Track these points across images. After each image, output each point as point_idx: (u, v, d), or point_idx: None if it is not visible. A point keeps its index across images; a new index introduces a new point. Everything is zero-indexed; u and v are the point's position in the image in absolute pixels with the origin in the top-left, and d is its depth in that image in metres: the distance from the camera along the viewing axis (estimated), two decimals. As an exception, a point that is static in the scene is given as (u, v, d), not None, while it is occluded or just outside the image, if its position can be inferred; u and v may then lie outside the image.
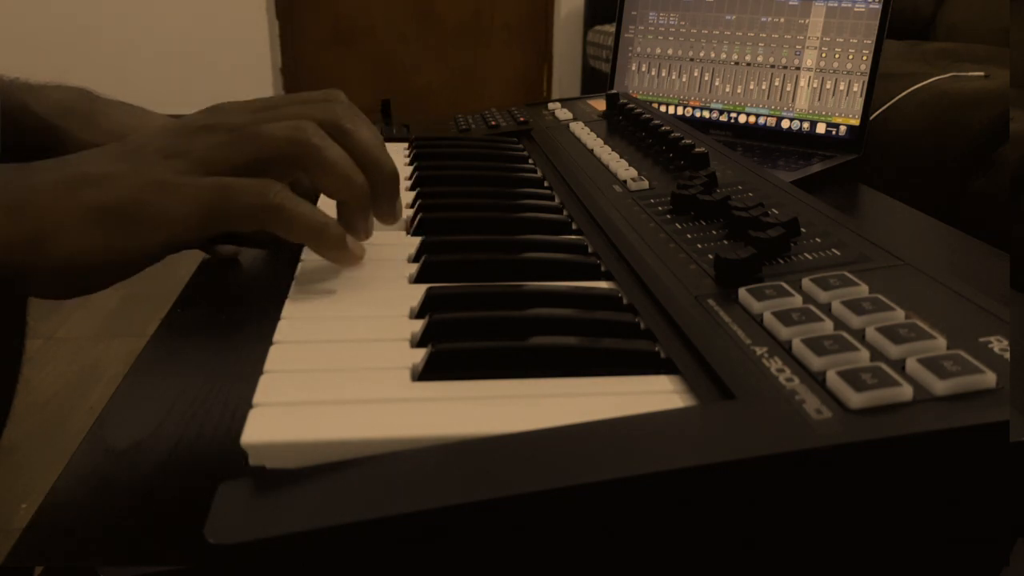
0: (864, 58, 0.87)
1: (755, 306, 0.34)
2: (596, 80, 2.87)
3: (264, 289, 0.43)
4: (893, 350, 0.30)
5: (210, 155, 0.38)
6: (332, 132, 0.40)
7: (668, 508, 0.26)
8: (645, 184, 0.52)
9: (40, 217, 0.35)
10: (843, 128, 0.89)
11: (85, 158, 0.39)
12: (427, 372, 0.32)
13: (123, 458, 0.34)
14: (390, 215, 0.43)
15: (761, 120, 0.94)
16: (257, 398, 0.29)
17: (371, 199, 0.41)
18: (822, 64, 0.90)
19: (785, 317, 0.32)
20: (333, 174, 0.39)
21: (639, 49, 1.02)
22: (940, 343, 0.30)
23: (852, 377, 0.28)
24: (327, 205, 0.41)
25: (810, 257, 0.39)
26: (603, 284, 0.41)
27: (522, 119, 0.74)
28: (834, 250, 0.40)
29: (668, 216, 0.46)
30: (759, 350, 0.31)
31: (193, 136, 0.39)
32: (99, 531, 0.30)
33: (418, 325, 0.35)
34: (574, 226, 0.49)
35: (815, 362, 0.29)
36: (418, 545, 0.24)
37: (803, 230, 0.42)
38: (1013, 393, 0.28)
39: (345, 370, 0.32)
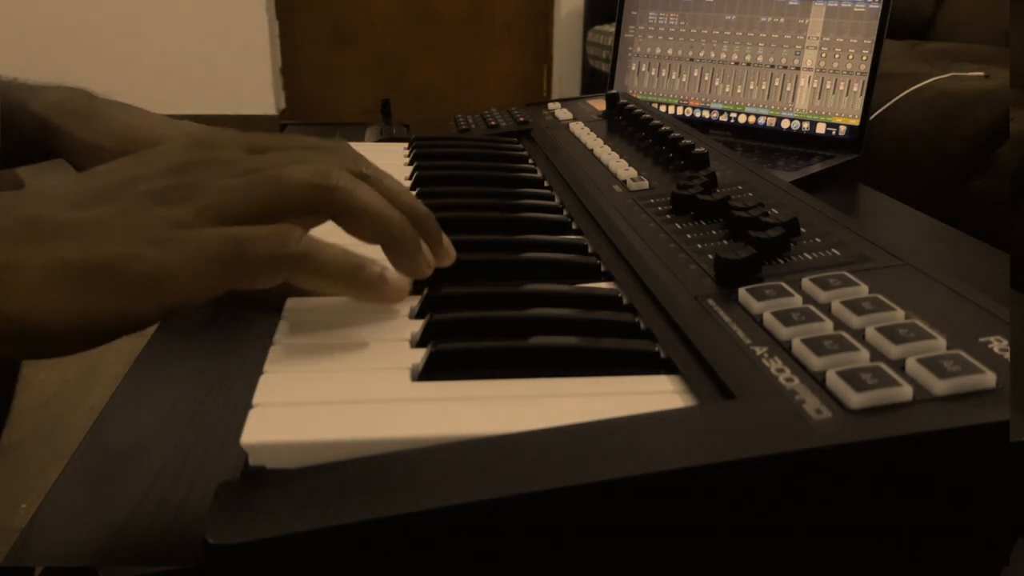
0: (864, 58, 0.87)
1: (755, 306, 0.34)
2: (596, 80, 2.87)
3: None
4: (893, 350, 0.30)
5: (216, 202, 0.33)
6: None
7: (668, 508, 0.26)
8: (645, 184, 0.52)
9: None
10: (843, 128, 0.89)
11: (46, 197, 0.32)
12: (427, 372, 0.32)
13: (123, 458, 0.34)
14: (446, 256, 0.39)
15: (761, 120, 0.94)
16: (257, 398, 0.29)
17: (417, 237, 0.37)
18: (822, 64, 0.90)
19: (785, 317, 0.32)
20: (368, 216, 0.35)
21: (639, 49, 1.02)
22: (940, 343, 0.30)
23: (852, 377, 0.28)
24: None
25: (810, 257, 0.39)
26: (603, 284, 0.41)
27: (522, 119, 0.74)
28: (834, 250, 0.40)
29: (668, 216, 0.46)
30: (759, 350, 0.31)
31: (191, 178, 0.33)
32: (99, 531, 0.30)
33: (418, 325, 0.35)
34: (574, 226, 0.49)
35: (815, 362, 0.29)
36: (418, 545, 0.24)
37: (803, 230, 0.42)
38: (1013, 393, 0.28)
39: (345, 370, 0.32)
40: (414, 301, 0.38)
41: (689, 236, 0.43)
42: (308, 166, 0.35)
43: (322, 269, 0.33)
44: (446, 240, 0.39)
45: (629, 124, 0.67)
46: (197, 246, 0.31)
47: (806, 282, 0.35)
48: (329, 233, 0.35)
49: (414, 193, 0.54)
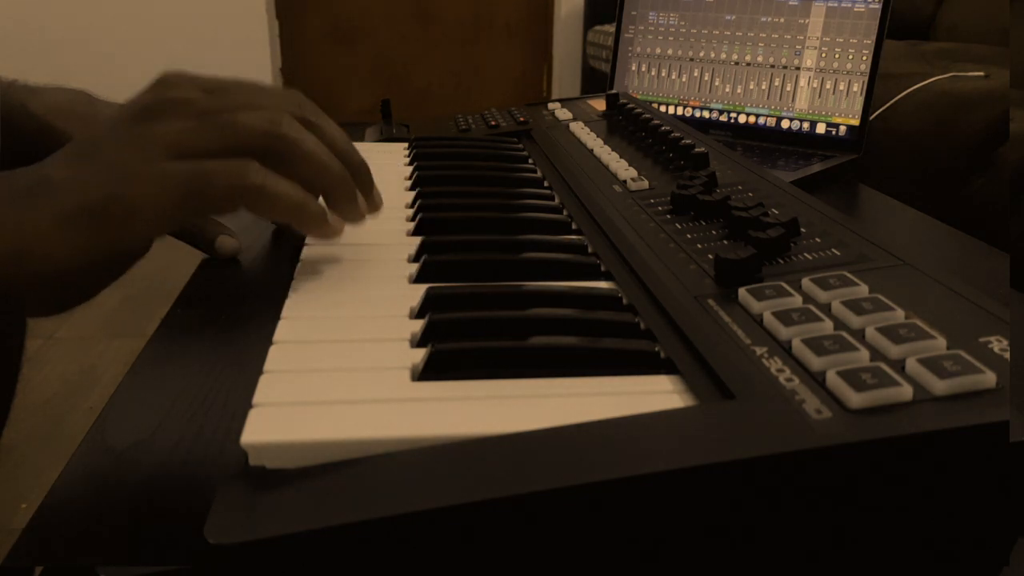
0: (864, 58, 0.87)
1: (755, 306, 0.34)
2: (596, 80, 2.87)
3: (264, 289, 0.43)
4: (893, 350, 0.30)
5: (178, 140, 0.37)
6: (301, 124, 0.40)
7: (668, 508, 0.26)
8: (645, 184, 0.52)
9: (15, 231, 0.34)
10: (843, 128, 0.89)
11: (44, 165, 0.37)
12: (427, 372, 0.32)
13: (123, 458, 0.34)
14: (372, 205, 0.44)
15: (761, 120, 0.94)
16: (257, 398, 0.29)
17: (353, 185, 0.42)
18: (822, 64, 0.90)
19: (785, 317, 0.32)
20: (312, 165, 0.39)
21: (639, 49, 1.02)
22: (940, 343, 0.30)
23: (852, 377, 0.28)
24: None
25: (810, 257, 0.39)
26: (603, 284, 0.41)
27: (522, 119, 0.74)
28: (834, 250, 0.40)
29: (668, 216, 0.46)
30: (759, 350, 0.31)
31: (154, 121, 0.37)
32: (99, 531, 0.30)
33: (418, 325, 0.35)
34: (574, 226, 0.49)
35: (815, 362, 0.29)
36: (418, 545, 0.24)
37: (803, 230, 0.42)
38: (1013, 393, 0.28)
39: (345, 370, 0.32)
40: (414, 301, 0.38)
41: (689, 236, 0.43)
42: (261, 112, 0.39)
43: (274, 201, 0.37)
44: (377, 192, 0.44)
45: (629, 124, 0.67)
46: (165, 180, 0.36)
47: (806, 282, 0.35)
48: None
49: (414, 193, 0.54)
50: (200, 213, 0.37)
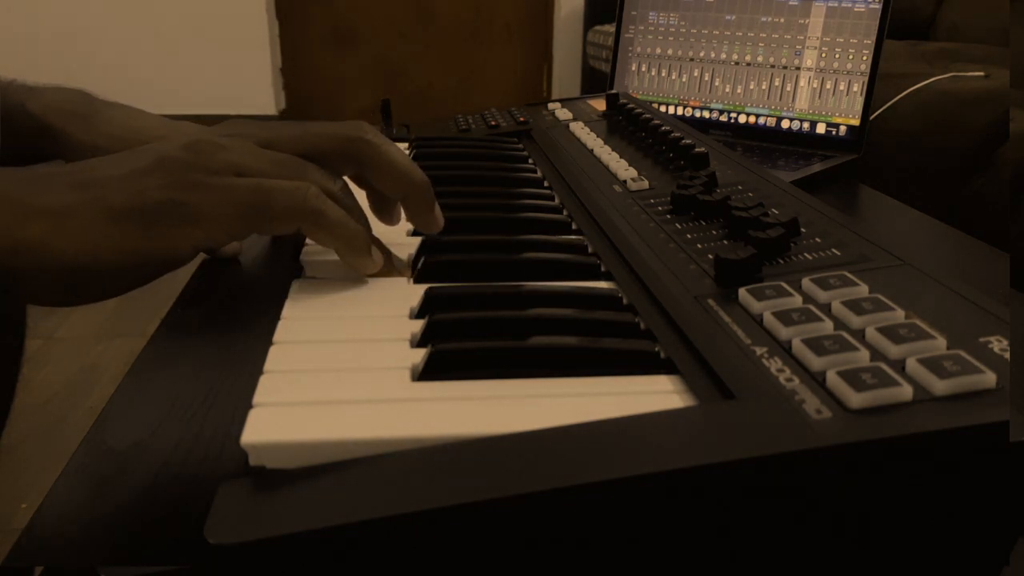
0: (864, 58, 0.87)
1: (755, 306, 0.34)
2: (596, 80, 2.87)
3: (264, 289, 0.43)
4: (893, 350, 0.30)
5: (240, 162, 0.37)
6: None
7: (668, 508, 0.26)
8: (645, 184, 0.52)
9: (52, 216, 0.34)
10: (843, 128, 0.88)
11: (83, 166, 0.37)
12: (427, 372, 0.32)
13: (123, 458, 0.33)
14: (435, 223, 0.45)
15: (761, 120, 0.94)
16: (257, 398, 0.29)
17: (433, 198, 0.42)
18: (822, 64, 0.90)
19: (785, 317, 0.32)
20: (394, 169, 0.40)
21: (639, 49, 1.02)
22: (940, 343, 0.30)
23: (852, 377, 0.28)
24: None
25: (810, 257, 0.39)
26: (603, 284, 0.41)
27: (522, 119, 0.74)
28: (834, 250, 0.40)
29: (668, 216, 0.46)
30: (759, 350, 0.31)
31: (217, 148, 0.38)
32: (99, 531, 0.30)
33: (418, 325, 0.35)
34: (574, 226, 0.49)
35: (815, 362, 0.29)
36: (418, 545, 0.24)
37: (803, 230, 0.42)
38: (1013, 393, 0.28)
39: (345, 370, 0.32)
40: (414, 301, 0.38)
41: (689, 236, 0.43)
42: (341, 122, 0.40)
43: (330, 227, 0.38)
44: (438, 210, 0.44)
45: (629, 124, 0.67)
46: (227, 192, 0.35)
47: (806, 282, 0.35)
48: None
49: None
50: (258, 229, 0.37)
